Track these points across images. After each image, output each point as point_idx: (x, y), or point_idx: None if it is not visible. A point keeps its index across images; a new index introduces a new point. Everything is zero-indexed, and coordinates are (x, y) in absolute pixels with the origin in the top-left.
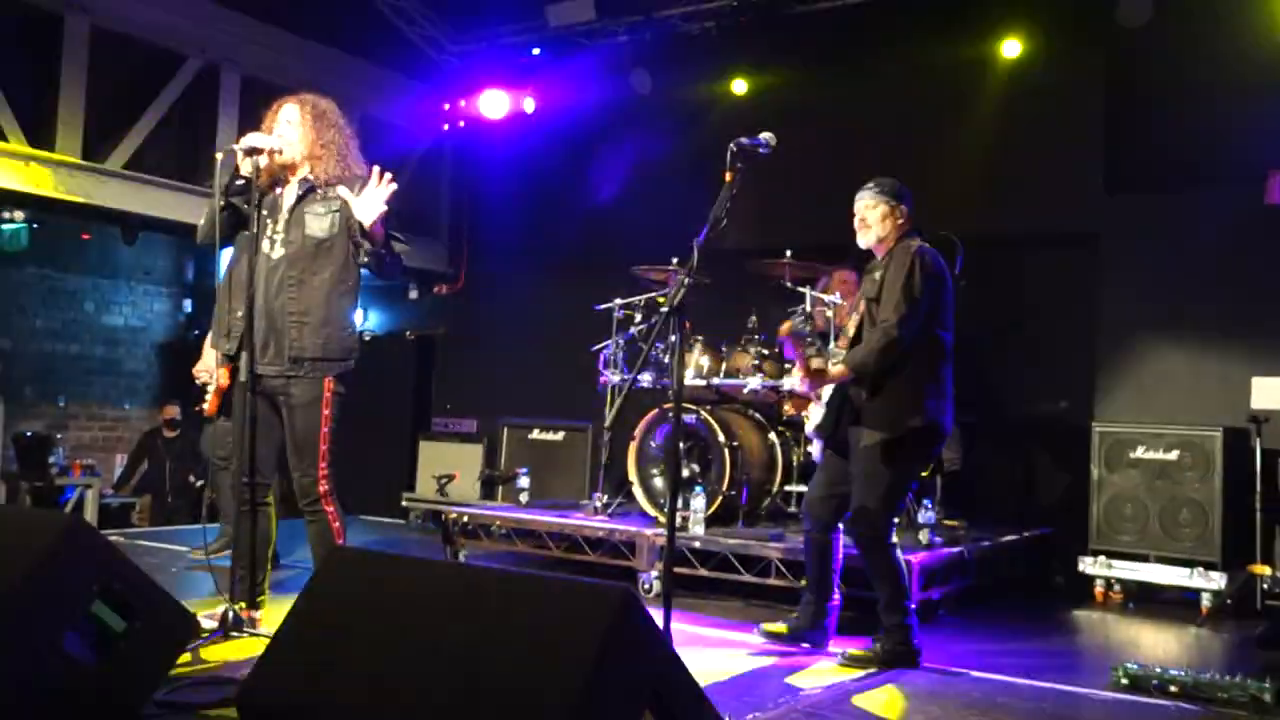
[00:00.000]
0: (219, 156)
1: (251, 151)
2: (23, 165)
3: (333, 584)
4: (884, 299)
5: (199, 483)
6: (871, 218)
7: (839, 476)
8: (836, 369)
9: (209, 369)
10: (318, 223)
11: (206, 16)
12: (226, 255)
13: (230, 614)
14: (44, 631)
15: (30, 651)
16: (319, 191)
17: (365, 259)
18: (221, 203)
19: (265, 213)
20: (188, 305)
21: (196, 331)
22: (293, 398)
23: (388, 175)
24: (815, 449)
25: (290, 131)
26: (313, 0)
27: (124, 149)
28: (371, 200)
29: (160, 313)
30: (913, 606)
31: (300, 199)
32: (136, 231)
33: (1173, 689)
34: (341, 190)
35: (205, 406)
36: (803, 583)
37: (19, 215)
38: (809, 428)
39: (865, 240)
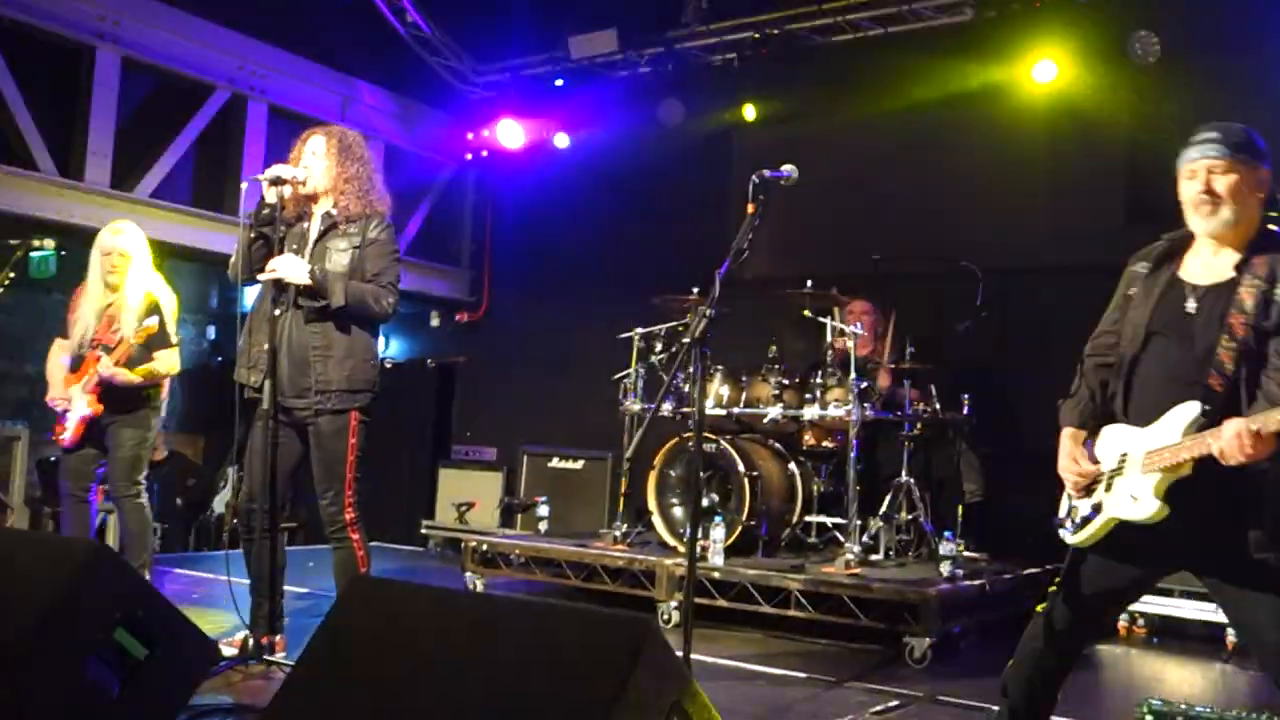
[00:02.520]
0: (244, 186)
1: (276, 181)
2: (53, 193)
3: (354, 613)
4: None
5: (209, 512)
6: (1224, 186)
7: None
8: None
9: (65, 397)
10: (340, 257)
11: (233, 47)
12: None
13: (250, 641)
14: (67, 658)
15: (53, 678)
16: (341, 226)
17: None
18: (252, 234)
19: (295, 247)
20: (211, 332)
21: (220, 358)
22: (320, 428)
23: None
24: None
25: (315, 163)
26: (338, 31)
27: (151, 178)
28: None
29: (184, 340)
30: None
31: (323, 233)
32: (163, 259)
33: None
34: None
35: (66, 437)
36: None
37: (49, 243)
38: (1076, 533)
39: (1212, 225)
